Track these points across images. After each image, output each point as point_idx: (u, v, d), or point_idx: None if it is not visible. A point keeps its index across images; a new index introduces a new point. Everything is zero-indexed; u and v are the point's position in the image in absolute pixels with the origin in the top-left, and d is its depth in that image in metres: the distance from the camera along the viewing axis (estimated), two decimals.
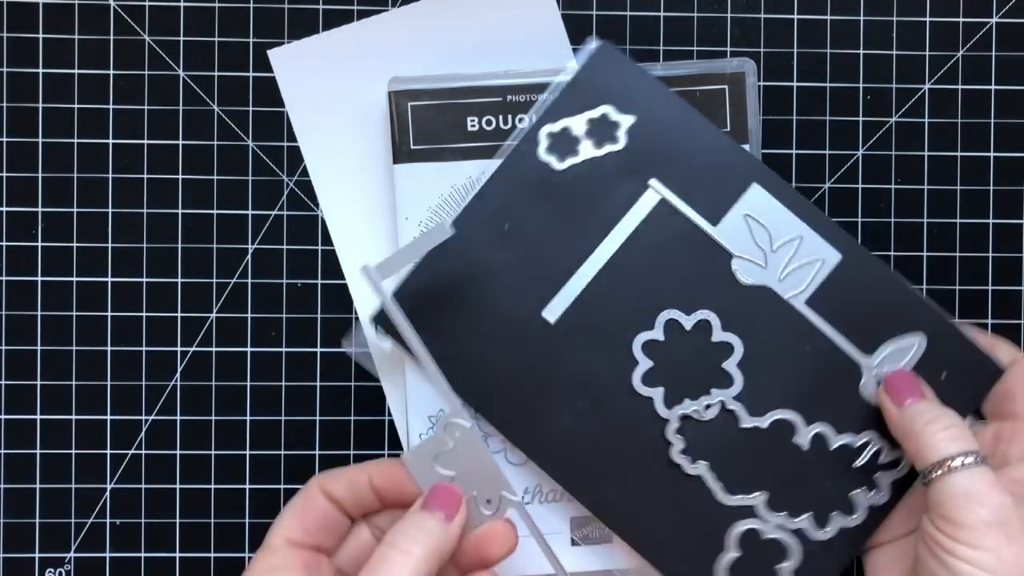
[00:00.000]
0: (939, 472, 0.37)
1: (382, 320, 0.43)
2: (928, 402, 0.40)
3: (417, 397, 0.44)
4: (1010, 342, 0.43)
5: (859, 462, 0.42)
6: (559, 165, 0.42)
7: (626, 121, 0.42)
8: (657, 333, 0.42)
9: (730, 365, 0.42)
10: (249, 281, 0.46)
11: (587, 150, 0.42)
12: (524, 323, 0.42)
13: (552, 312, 0.42)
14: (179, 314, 0.46)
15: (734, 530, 0.42)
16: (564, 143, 0.42)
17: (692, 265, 0.42)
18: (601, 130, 0.42)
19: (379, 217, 0.46)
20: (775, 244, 0.42)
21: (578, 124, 0.42)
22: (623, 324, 0.42)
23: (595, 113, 0.42)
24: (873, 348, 0.42)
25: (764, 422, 0.42)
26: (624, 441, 0.42)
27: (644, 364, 0.42)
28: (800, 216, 0.42)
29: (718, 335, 0.42)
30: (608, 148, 0.42)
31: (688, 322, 0.42)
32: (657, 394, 0.42)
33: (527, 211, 0.42)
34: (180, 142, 0.46)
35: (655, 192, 0.42)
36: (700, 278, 0.42)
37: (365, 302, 0.46)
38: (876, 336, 0.42)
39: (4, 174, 0.46)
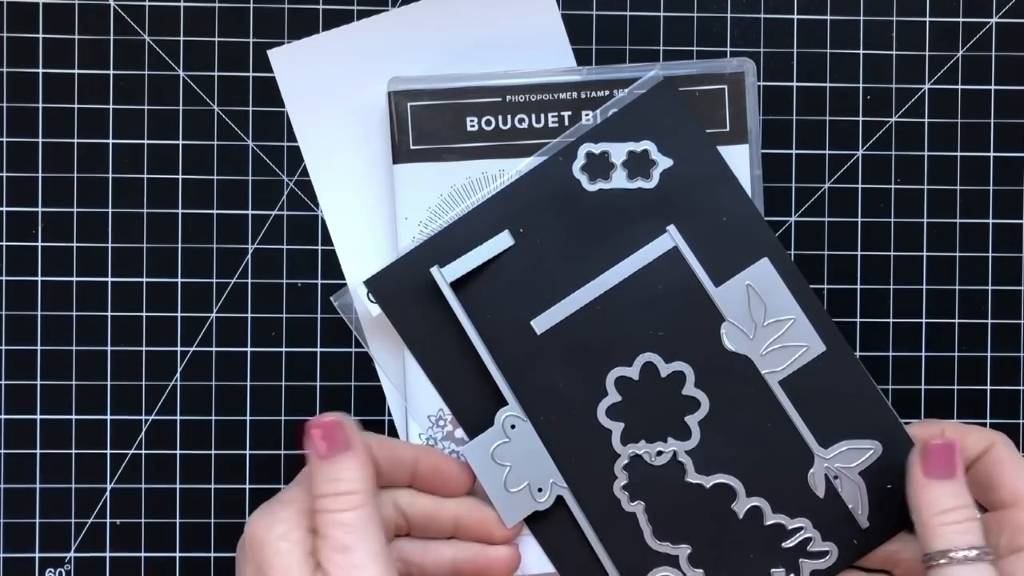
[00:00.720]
0: (942, 561, 0.38)
1: (373, 286, 0.43)
2: (954, 486, 0.39)
3: (417, 397, 0.44)
4: (984, 428, 0.42)
5: (788, 543, 0.43)
6: (589, 186, 0.43)
7: (664, 163, 0.43)
8: (633, 372, 0.43)
9: (692, 420, 0.43)
10: (249, 281, 0.46)
11: (619, 179, 0.43)
12: (511, 326, 0.43)
13: (541, 324, 0.43)
14: (179, 314, 0.46)
15: (653, 574, 0.43)
16: (600, 166, 0.43)
17: (684, 317, 0.43)
18: (638, 164, 0.43)
19: (379, 217, 0.46)
20: (767, 320, 0.43)
21: (618, 152, 0.43)
22: (604, 354, 0.43)
23: (638, 147, 0.43)
24: (830, 442, 0.43)
25: (708, 482, 0.43)
26: (573, 463, 0.43)
27: (612, 397, 0.43)
28: (799, 300, 0.43)
29: (689, 389, 0.43)
30: (639, 184, 0.43)
31: (664, 369, 0.43)
32: (617, 428, 0.43)
33: (546, 221, 0.43)
34: (180, 142, 0.46)
35: (670, 239, 0.43)
36: (688, 332, 0.43)
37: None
38: (835, 432, 0.43)
39: (4, 174, 0.46)
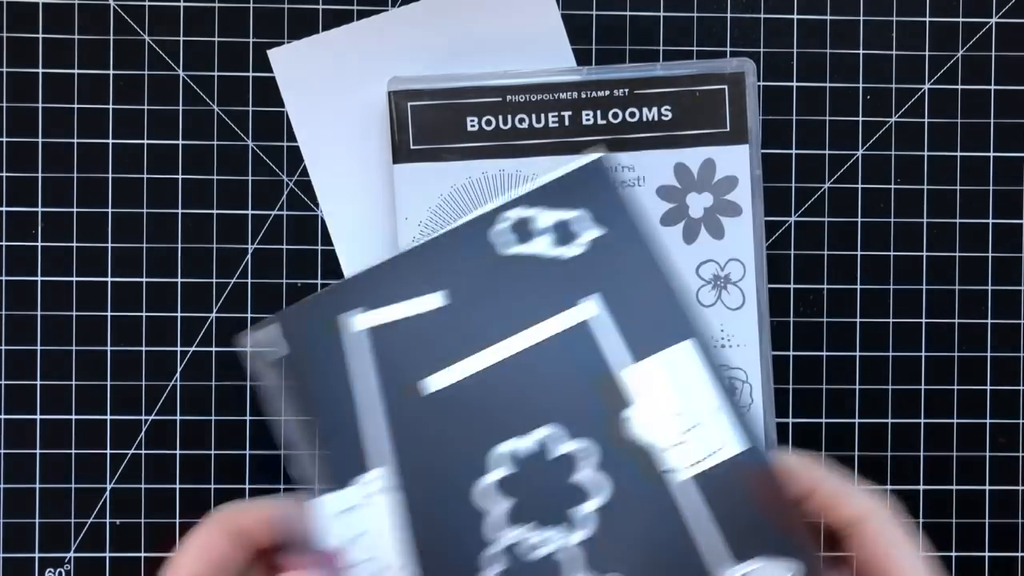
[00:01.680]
0: None
1: (285, 322, 0.40)
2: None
3: None
4: (866, 495, 0.37)
5: None
6: (510, 249, 0.40)
7: (595, 232, 0.40)
8: (524, 449, 0.39)
9: (579, 511, 0.38)
10: (249, 281, 0.46)
11: (542, 245, 0.40)
12: (401, 383, 0.39)
13: (431, 383, 0.39)
14: (179, 314, 0.46)
15: None
16: (524, 231, 0.40)
17: (588, 397, 0.39)
18: (566, 231, 0.40)
19: (379, 217, 0.46)
20: (681, 410, 0.39)
21: (546, 218, 0.41)
22: (494, 426, 0.39)
23: (568, 214, 0.40)
24: (742, 557, 0.38)
25: None
26: (438, 541, 0.38)
27: (494, 475, 0.39)
28: (719, 393, 0.39)
29: (581, 475, 0.39)
30: (563, 251, 0.40)
31: (559, 451, 0.39)
32: (495, 510, 0.39)
33: (460, 280, 0.40)
34: (180, 142, 0.46)
35: (587, 310, 0.40)
36: (590, 413, 0.39)
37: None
38: (749, 545, 0.38)
39: (4, 174, 0.46)
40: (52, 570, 0.46)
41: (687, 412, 0.39)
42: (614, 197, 0.41)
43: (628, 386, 0.39)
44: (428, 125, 0.44)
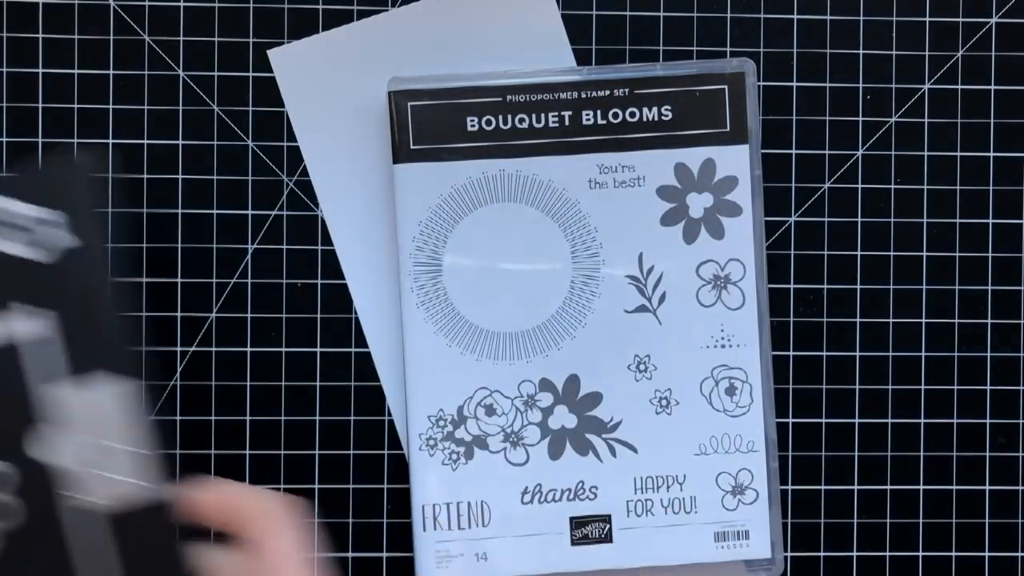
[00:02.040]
0: None
1: None
2: None
3: (417, 396, 0.44)
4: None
5: None
6: None
7: (69, 241, 0.37)
8: None
9: None
10: (249, 281, 0.46)
11: (10, 240, 0.37)
12: None
13: None
14: (179, 314, 0.46)
15: None
16: None
17: (16, 414, 0.37)
18: (37, 231, 0.37)
19: (379, 217, 0.46)
20: (100, 443, 0.37)
21: (19, 211, 0.37)
22: None
23: (44, 213, 0.37)
24: None
25: None
26: None
27: None
28: (140, 433, 0.37)
29: None
30: (30, 252, 0.37)
31: None
32: None
33: None
34: (180, 142, 0.46)
35: (37, 324, 0.37)
36: (13, 431, 0.36)
37: (366, 301, 0.46)
38: None
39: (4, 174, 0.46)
40: None
41: (106, 446, 0.37)
42: (93, 208, 0.38)
43: (59, 410, 0.37)
44: (428, 125, 0.44)
